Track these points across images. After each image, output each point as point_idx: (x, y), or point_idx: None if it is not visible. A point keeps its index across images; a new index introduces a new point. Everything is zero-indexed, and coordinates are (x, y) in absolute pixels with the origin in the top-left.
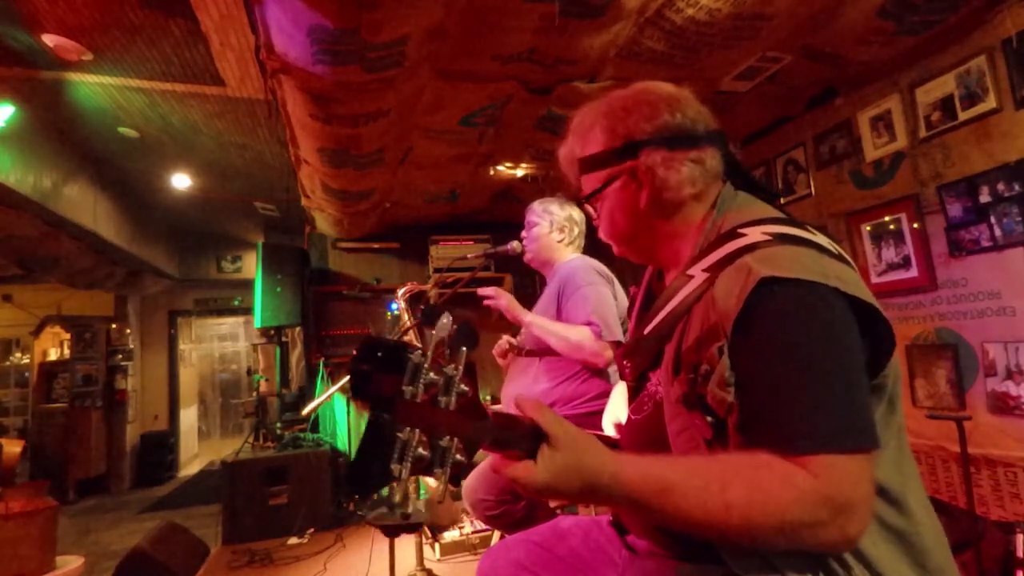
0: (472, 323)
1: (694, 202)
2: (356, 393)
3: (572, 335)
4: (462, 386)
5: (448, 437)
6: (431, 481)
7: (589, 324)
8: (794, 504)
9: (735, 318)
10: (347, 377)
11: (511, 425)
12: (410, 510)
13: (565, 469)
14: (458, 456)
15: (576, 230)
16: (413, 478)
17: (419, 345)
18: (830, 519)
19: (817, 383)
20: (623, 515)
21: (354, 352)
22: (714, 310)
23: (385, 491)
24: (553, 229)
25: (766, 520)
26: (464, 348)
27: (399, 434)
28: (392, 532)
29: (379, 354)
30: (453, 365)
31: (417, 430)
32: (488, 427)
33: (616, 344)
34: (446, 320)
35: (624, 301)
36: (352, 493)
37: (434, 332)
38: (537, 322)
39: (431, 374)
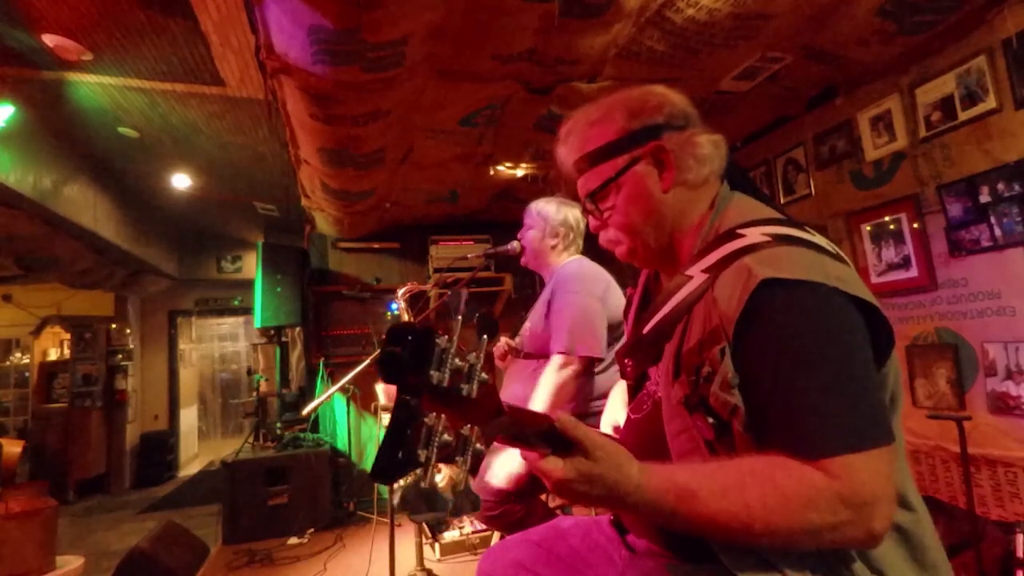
0: (492, 313)
1: (705, 188)
2: (385, 376)
3: (553, 391)
4: (483, 375)
5: (469, 426)
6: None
7: (563, 355)
8: (812, 506)
9: (737, 320)
10: (352, 373)
11: (526, 420)
12: (448, 500)
13: (591, 477)
14: (478, 445)
15: (571, 234)
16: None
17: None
18: (852, 518)
19: (827, 384)
20: (625, 517)
21: (384, 336)
22: (715, 312)
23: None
24: (546, 236)
25: (786, 523)
26: (485, 337)
27: (425, 419)
28: (437, 527)
29: (408, 338)
30: (475, 353)
31: (442, 416)
32: (505, 420)
33: (591, 361)
34: (465, 305)
35: (621, 302)
36: (378, 480)
37: (458, 319)
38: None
39: (456, 360)
